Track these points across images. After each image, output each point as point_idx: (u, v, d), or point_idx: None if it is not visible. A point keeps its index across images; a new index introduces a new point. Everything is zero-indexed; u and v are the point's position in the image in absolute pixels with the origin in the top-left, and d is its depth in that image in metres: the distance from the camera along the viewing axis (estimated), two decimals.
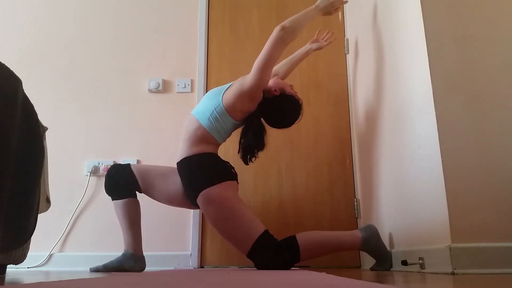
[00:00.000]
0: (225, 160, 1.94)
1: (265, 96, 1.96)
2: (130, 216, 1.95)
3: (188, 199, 1.92)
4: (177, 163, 1.94)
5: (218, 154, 1.96)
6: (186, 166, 1.88)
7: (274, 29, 1.85)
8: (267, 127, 1.99)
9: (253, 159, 1.96)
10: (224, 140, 1.97)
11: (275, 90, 1.96)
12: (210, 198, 1.80)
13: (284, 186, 2.56)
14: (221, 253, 2.48)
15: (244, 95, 1.87)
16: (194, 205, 1.91)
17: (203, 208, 1.83)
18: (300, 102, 1.99)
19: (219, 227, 1.83)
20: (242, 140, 1.95)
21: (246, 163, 1.97)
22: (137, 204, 1.98)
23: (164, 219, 2.48)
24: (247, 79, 1.88)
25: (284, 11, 2.83)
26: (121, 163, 2.04)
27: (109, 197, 1.99)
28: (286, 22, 1.86)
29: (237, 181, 1.90)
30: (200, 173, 1.84)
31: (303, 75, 2.69)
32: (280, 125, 2.02)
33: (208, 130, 1.89)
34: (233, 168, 1.92)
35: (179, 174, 1.93)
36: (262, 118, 1.98)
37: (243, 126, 1.98)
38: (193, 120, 1.93)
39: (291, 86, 2.03)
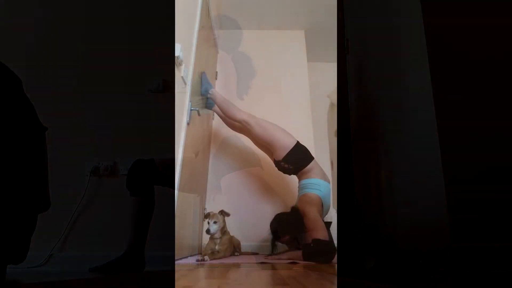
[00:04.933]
0: None
1: None
2: (142, 216, 1.93)
3: None
4: None
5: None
6: None
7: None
8: None
9: None
10: None
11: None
12: None
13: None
14: None
15: None
16: None
17: None
18: None
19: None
20: None
21: None
22: (152, 206, 1.97)
23: (164, 219, 2.47)
24: None
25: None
26: (145, 159, 1.99)
27: (123, 193, 1.94)
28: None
29: None
30: None
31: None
32: None
33: None
34: None
35: None
36: None
37: None
38: None
39: None
